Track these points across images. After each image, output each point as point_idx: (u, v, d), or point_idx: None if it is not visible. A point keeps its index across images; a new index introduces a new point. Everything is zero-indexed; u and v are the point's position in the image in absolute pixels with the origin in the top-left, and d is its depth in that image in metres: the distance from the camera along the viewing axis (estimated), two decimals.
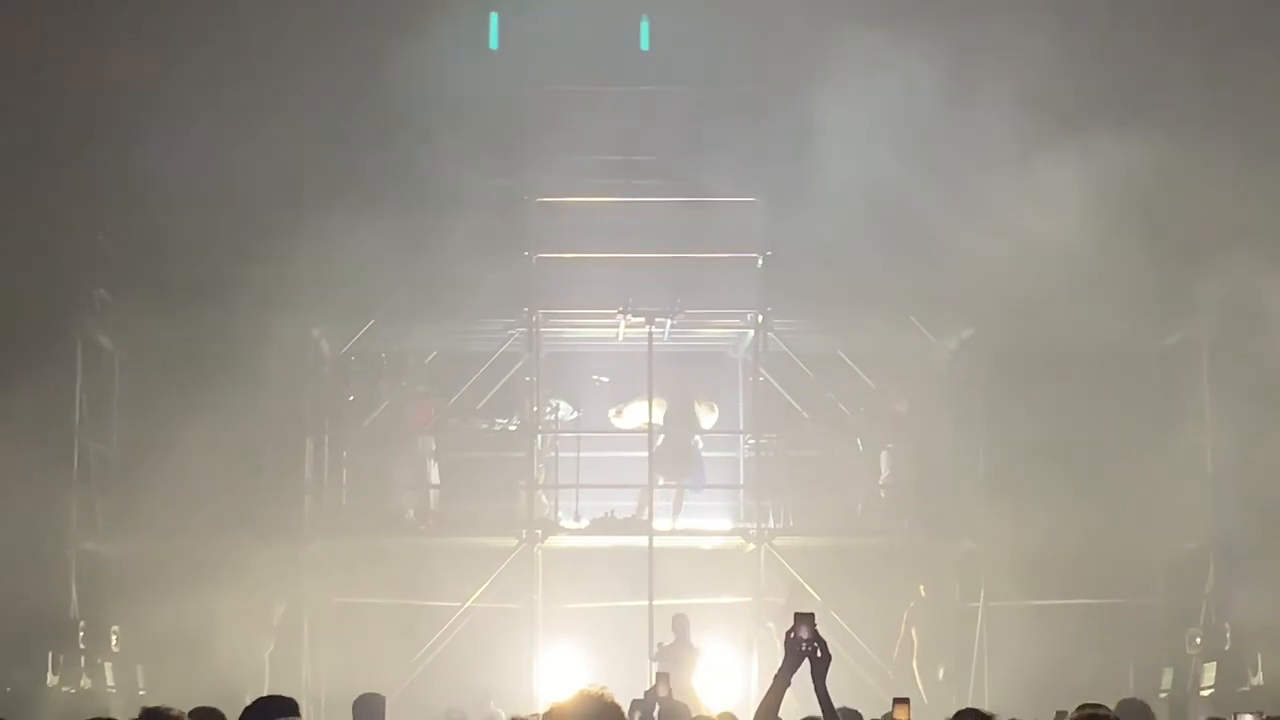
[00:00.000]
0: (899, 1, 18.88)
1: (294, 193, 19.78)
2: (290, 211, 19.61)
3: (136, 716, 8.01)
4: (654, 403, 20.76)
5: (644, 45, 19.84)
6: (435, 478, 21.04)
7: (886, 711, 12.04)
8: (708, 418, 21.38)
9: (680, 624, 19.23)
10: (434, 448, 21.05)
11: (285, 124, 19.84)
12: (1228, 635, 19.51)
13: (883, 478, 21.36)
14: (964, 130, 19.09)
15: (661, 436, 20.82)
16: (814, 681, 7.68)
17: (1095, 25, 18.63)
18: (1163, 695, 19.24)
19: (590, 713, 5.83)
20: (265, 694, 8.16)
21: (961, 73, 18.61)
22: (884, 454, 21.29)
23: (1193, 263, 19.46)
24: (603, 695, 5.90)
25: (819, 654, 7.62)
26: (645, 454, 20.70)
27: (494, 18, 18.97)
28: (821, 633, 7.67)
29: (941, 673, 20.33)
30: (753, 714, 7.98)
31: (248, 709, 7.74)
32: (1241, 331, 19.45)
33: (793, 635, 7.62)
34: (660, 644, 19.13)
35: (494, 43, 19.31)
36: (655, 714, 13.25)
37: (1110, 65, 19.01)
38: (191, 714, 8.64)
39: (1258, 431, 19.08)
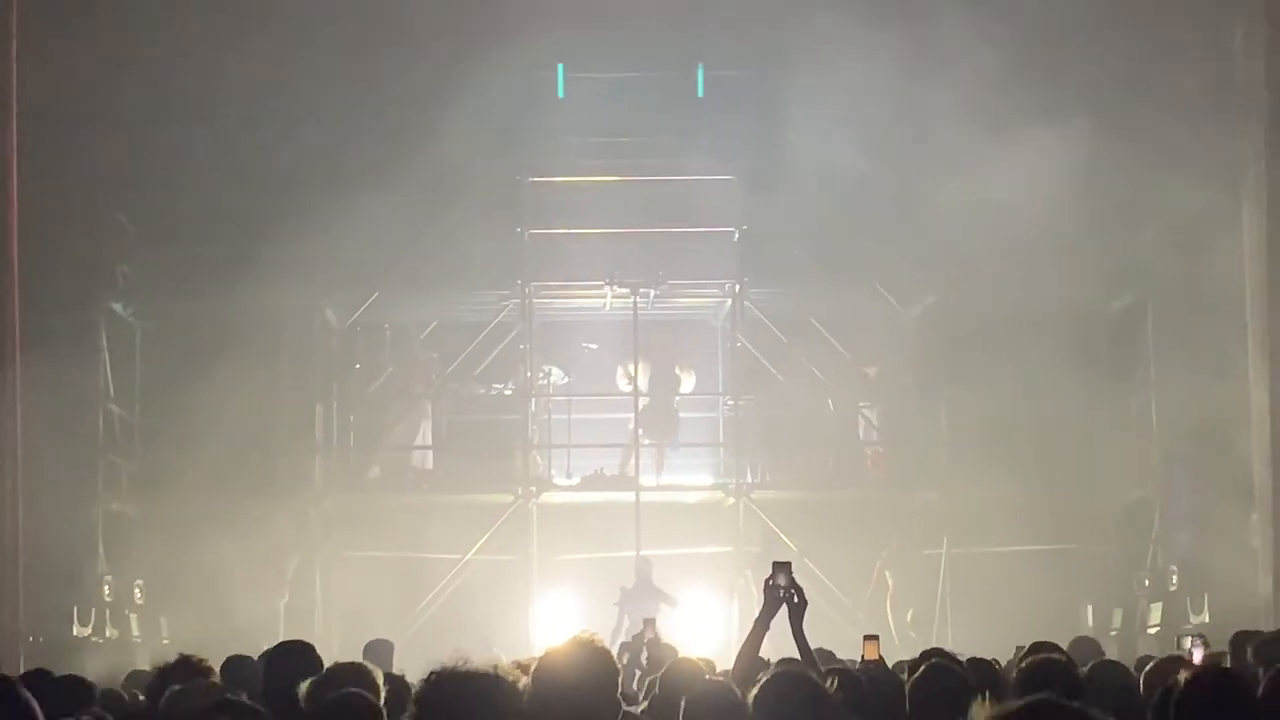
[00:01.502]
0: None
1: (303, 176, 19.67)
2: (300, 193, 19.52)
3: (169, 663, 7.97)
4: (639, 367, 20.77)
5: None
6: (427, 438, 20.98)
7: (860, 652, 12.04)
8: (687, 381, 21.40)
9: (643, 566, 19.23)
10: (429, 411, 21.02)
11: (297, 111, 19.78)
12: (1173, 578, 19.53)
13: (855, 433, 21.38)
14: (923, 114, 19.05)
15: (645, 399, 20.82)
16: (791, 625, 7.65)
17: (1042, 22, 18.55)
18: (1113, 634, 19.28)
19: (582, 657, 5.79)
20: (279, 641, 8.16)
21: (920, 61, 18.55)
22: (853, 413, 21.30)
23: (1136, 235, 19.45)
24: (593, 641, 5.87)
25: (796, 600, 7.59)
26: (631, 415, 20.71)
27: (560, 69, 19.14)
28: (797, 580, 7.63)
29: (910, 615, 20.32)
30: (735, 656, 7.94)
31: (272, 655, 7.69)
32: (1180, 297, 19.45)
33: (771, 582, 7.58)
34: (623, 587, 19.09)
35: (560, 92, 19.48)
36: (642, 657, 13.21)
37: (1056, 55, 18.95)
38: (226, 664, 8.61)
39: (1198, 388, 19.09)
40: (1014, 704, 4.12)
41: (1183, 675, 5.72)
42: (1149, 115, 18.69)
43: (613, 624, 17.90)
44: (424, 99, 19.79)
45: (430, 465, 21.11)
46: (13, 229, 16.90)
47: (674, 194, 20.41)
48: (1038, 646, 8.73)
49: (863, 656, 10.70)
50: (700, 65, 20.31)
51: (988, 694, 5.76)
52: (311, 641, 8.44)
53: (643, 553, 19.50)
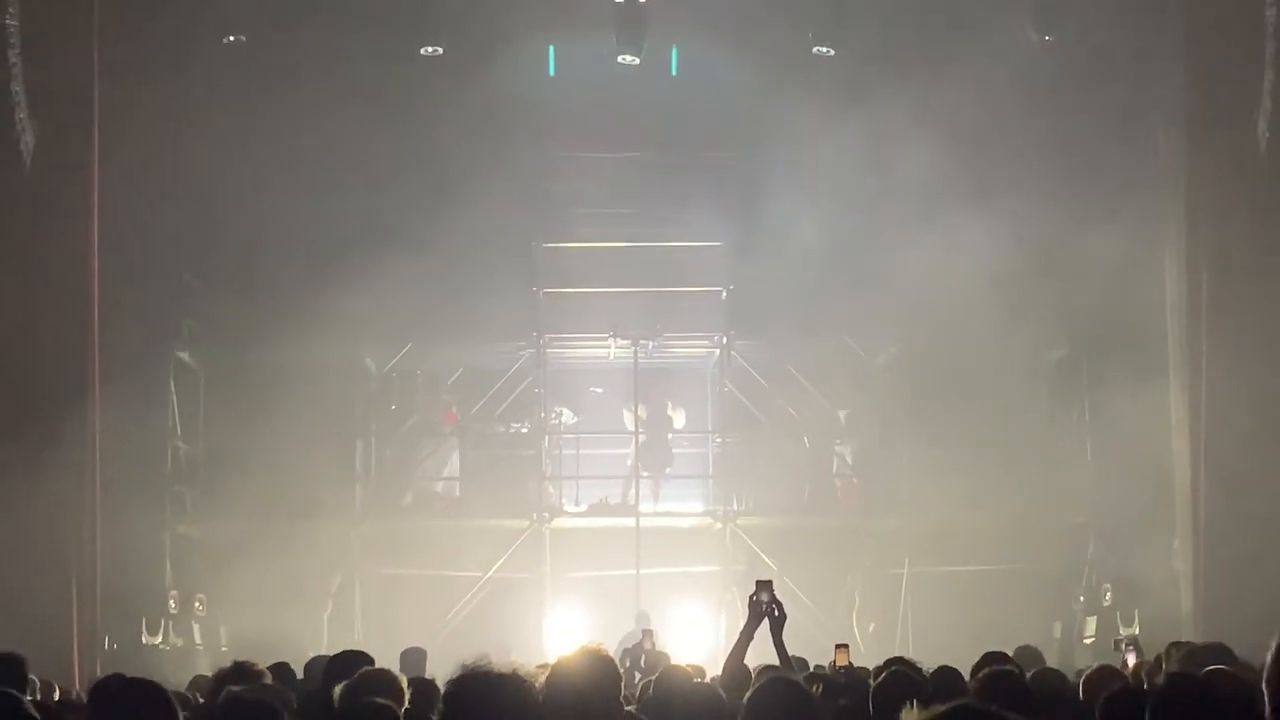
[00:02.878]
0: (833, 80, 18.83)
1: (346, 240, 19.71)
2: (343, 255, 19.56)
3: (226, 668, 7.95)
4: (638, 408, 20.78)
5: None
6: (455, 470, 20.94)
7: (831, 660, 11.99)
8: (678, 418, 21.39)
9: (643, 620, 18.94)
10: (457, 446, 21.00)
11: (342, 183, 19.84)
12: (1106, 594, 19.48)
13: (835, 470, 21.34)
14: (884, 188, 19.12)
15: (644, 436, 20.81)
16: (772, 635, 7.64)
17: (985, 103, 18.63)
18: (1054, 643, 19.16)
19: (589, 664, 5.79)
20: (324, 650, 8.15)
21: (880, 141, 18.62)
22: (826, 449, 21.27)
23: (1070, 290, 19.49)
24: (599, 650, 5.87)
25: (776, 613, 7.58)
26: (631, 451, 20.68)
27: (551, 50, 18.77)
28: (778, 596, 7.61)
29: (872, 628, 20.24)
30: (722, 663, 7.91)
31: (333, 661, 7.66)
32: (1110, 345, 19.45)
33: (755, 598, 7.57)
34: (625, 647, 18.83)
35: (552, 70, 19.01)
36: (641, 661, 13.18)
37: (998, 131, 19.03)
38: (271, 668, 8.58)
39: (1126, 428, 19.08)
40: (939, 708, 4.09)
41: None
42: (1079, 184, 18.78)
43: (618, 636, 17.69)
44: (454, 175, 19.87)
45: (458, 494, 21.04)
46: (93, 286, 16.90)
47: (669, 258, 20.44)
48: (989, 657, 8.69)
49: (835, 662, 10.68)
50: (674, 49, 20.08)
51: (914, 701, 5.70)
52: (352, 648, 8.43)
53: (646, 627, 19.19)
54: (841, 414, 21.16)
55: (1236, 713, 5.79)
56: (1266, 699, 4.73)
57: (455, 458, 21.05)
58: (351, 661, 7.60)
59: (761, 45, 19.39)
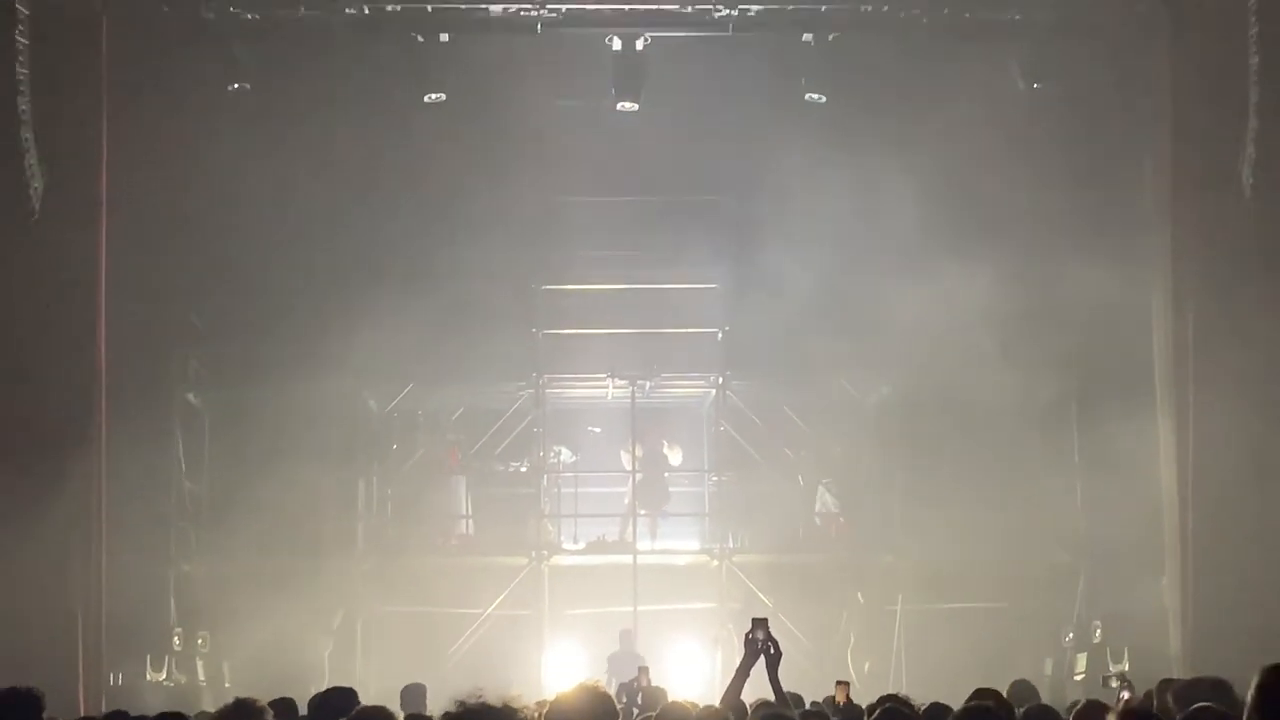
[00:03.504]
0: (825, 126, 18.93)
1: (349, 283, 19.76)
2: (346, 298, 19.61)
3: (228, 705, 7.92)
4: (635, 448, 20.78)
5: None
6: (467, 508, 20.97)
7: (827, 695, 11.97)
8: (674, 456, 21.38)
9: (626, 638, 19.12)
10: (464, 484, 21.00)
11: (345, 227, 19.90)
12: (1096, 631, 19.46)
13: (819, 506, 21.35)
14: (876, 232, 19.18)
15: (640, 475, 20.80)
16: (768, 672, 7.63)
17: (978, 150, 18.72)
18: (1045, 679, 19.13)
19: (586, 700, 5.75)
20: (326, 686, 8.13)
21: (871, 185, 18.70)
22: (820, 488, 21.26)
23: (1061, 333, 19.54)
24: (596, 686, 5.84)
25: (772, 651, 7.56)
26: (628, 489, 20.68)
27: None
28: (774, 633, 7.60)
29: (867, 666, 20.18)
30: (719, 699, 7.90)
31: (317, 699, 7.65)
32: (1099, 385, 19.47)
33: (751, 635, 7.55)
34: (610, 654, 18.97)
35: None
36: (639, 698, 13.15)
37: (991, 177, 19.11)
38: (271, 704, 8.55)
39: (1115, 467, 19.09)
40: None
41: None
42: (1068, 228, 18.83)
43: (603, 680, 17.71)
44: (455, 218, 19.95)
45: (471, 531, 20.99)
46: (101, 327, 16.96)
47: (666, 300, 20.49)
48: (980, 693, 8.70)
49: (834, 698, 10.66)
50: None
51: None
52: (354, 685, 8.42)
53: (626, 626, 19.35)
54: (835, 453, 21.15)
55: None
56: None
57: (464, 494, 21.05)
58: (339, 698, 7.58)
59: (755, 91, 19.48)
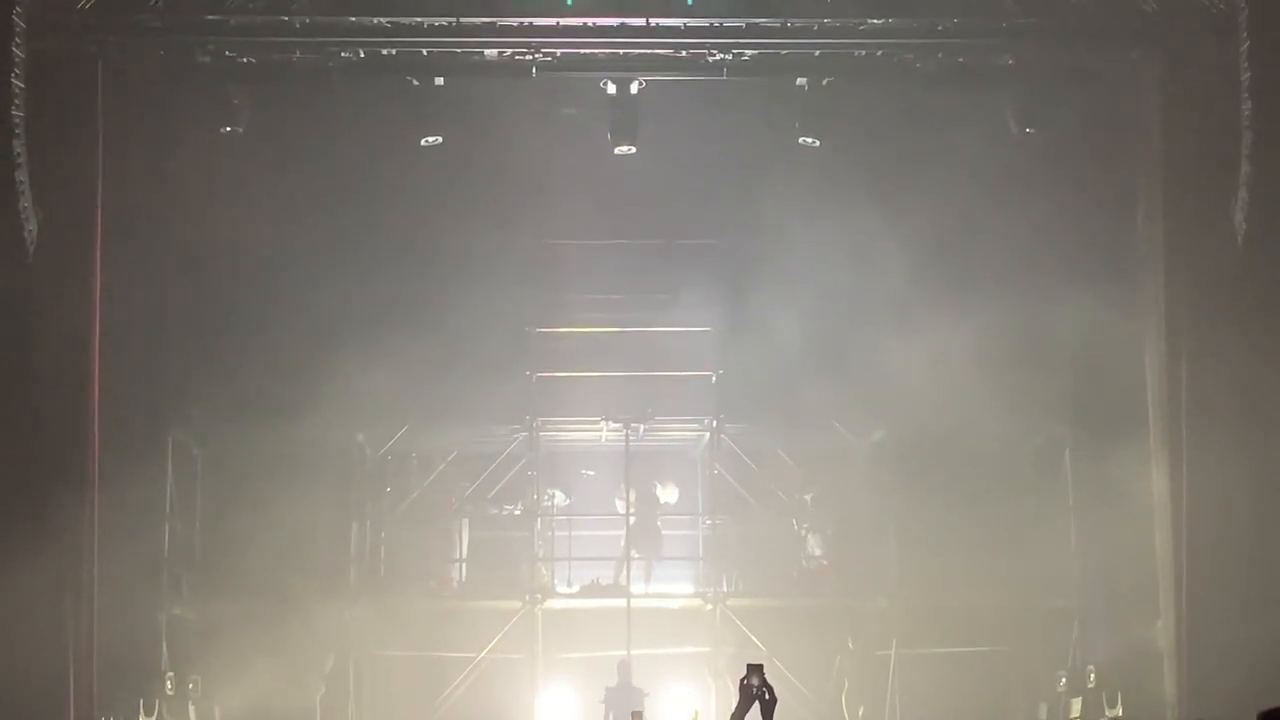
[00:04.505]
0: (819, 170, 18.99)
1: (342, 327, 19.75)
2: (339, 341, 19.60)
3: None
4: (628, 493, 20.75)
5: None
6: (462, 551, 20.93)
7: None
8: (666, 494, 21.33)
9: (623, 669, 19.10)
10: (466, 527, 20.99)
11: (338, 272, 19.92)
12: (1091, 676, 19.40)
13: (812, 550, 21.33)
14: (869, 276, 19.21)
15: (633, 518, 20.76)
16: (763, 717, 7.58)
17: (971, 196, 18.80)
18: None
19: None
20: None
21: (864, 231, 18.76)
22: (813, 533, 21.24)
23: (1053, 377, 19.57)
24: None
25: (767, 696, 7.52)
26: (623, 533, 20.62)
27: None
28: (768, 679, 7.57)
29: (861, 711, 20.10)
30: None
31: None
32: (1092, 430, 19.48)
33: (746, 681, 7.52)
34: (607, 687, 18.93)
35: None
36: None
37: (982, 222, 19.19)
38: None
39: (1109, 511, 19.11)
40: None
41: None
42: (1061, 272, 18.86)
43: (600, 716, 17.69)
44: (449, 261, 19.98)
45: (464, 576, 20.91)
46: (94, 369, 16.94)
47: (660, 343, 20.48)
48: None
49: None
50: None
51: None
52: None
53: (623, 657, 19.31)
54: (828, 496, 21.14)
55: None
56: None
57: (464, 538, 21.02)
58: None
59: (750, 135, 19.54)
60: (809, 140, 18.69)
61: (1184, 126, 17.43)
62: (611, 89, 18.11)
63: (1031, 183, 19.25)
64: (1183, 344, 17.46)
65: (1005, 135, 18.99)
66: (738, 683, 7.61)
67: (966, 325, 18.87)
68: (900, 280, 19.11)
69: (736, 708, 7.56)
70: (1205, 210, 17.26)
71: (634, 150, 18.27)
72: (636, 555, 20.78)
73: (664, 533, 21.30)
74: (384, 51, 17.54)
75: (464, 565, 20.97)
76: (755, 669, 7.57)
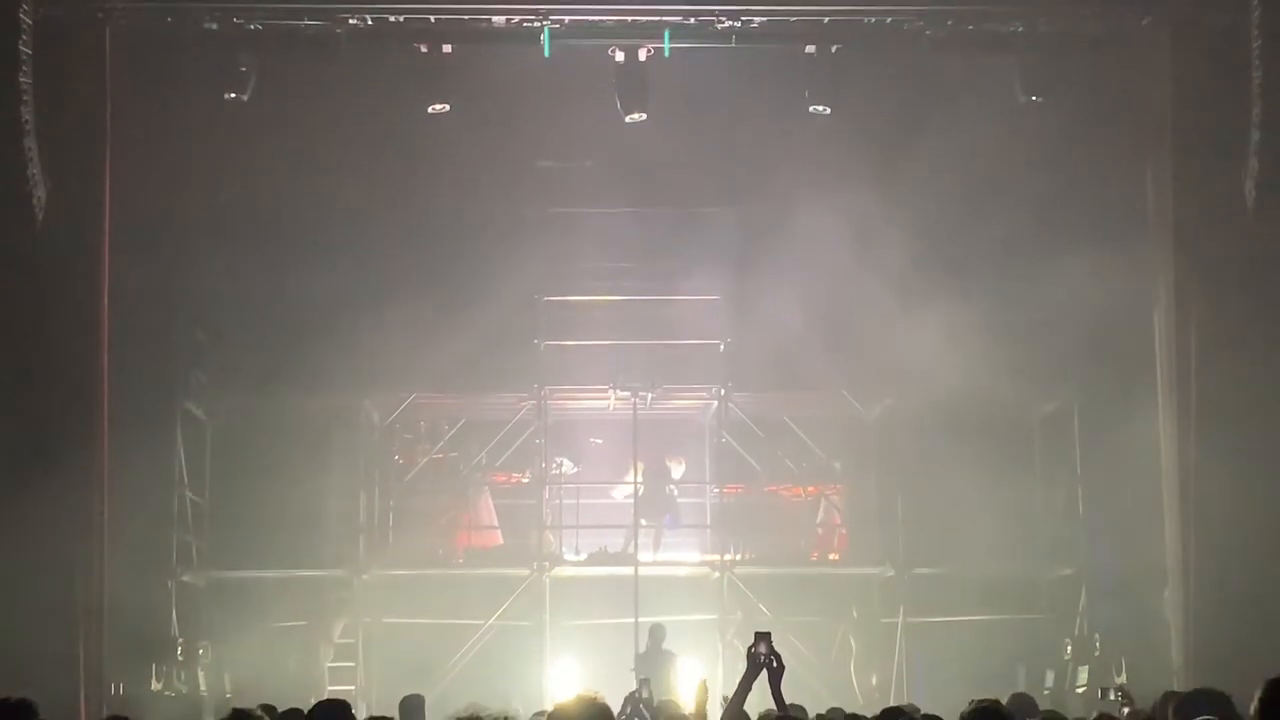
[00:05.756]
0: (829, 137, 18.90)
1: (352, 295, 19.76)
2: (348, 310, 19.62)
3: (226, 716, 7.88)
4: (636, 463, 20.74)
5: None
6: (493, 518, 20.92)
7: (832, 706, 11.93)
8: (677, 470, 21.33)
9: (658, 633, 19.08)
10: (488, 494, 21.00)
11: (348, 240, 19.89)
12: (1097, 644, 19.42)
13: (820, 518, 21.35)
14: (879, 244, 19.14)
15: (642, 488, 20.77)
16: (771, 686, 7.56)
17: (980, 164, 18.73)
18: (1046, 692, 19.09)
19: (585, 712, 5.71)
20: (326, 696, 8.09)
21: (875, 198, 18.69)
22: (822, 500, 21.24)
23: (1062, 344, 19.53)
24: (596, 698, 5.81)
25: (775, 665, 7.50)
26: (631, 500, 20.64)
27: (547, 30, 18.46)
28: (776, 647, 7.54)
29: (874, 679, 20.13)
30: (721, 714, 7.85)
31: (311, 713, 7.62)
32: (1101, 397, 19.45)
33: (753, 649, 7.49)
34: (639, 653, 18.95)
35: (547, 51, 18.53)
36: (642, 708, 13.09)
37: (991, 191, 19.13)
38: (283, 715, 8.50)
39: (1117, 479, 19.09)
40: None
41: None
42: (1070, 240, 18.79)
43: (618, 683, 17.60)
44: (458, 230, 19.95)
45: (501, 541, 20.89)
46: (104, 338, 16.94)
47: (669, 312, 20.45)
48: (982, 702, 8.65)
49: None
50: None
51: None
52: (353, 697, 8.38)
53: (656, 622, 19.26)
54: (836, 464, 21.14)
55: None
56: None
57: (489, 503, 21.05)
58: (332, 710, 7.56)
59: (759, 103, 19.45)
60: (819, 108, 18.62)
61: (1194, 94, 17.34)
62: (619, 57, 18.03)
63: (1041, 151, 19.18)
64: (1192, 312, 17.42)
65: (1015, 103, 18.91)
66: (745, 651, 7.58)
67: (975, 293, 18.84)
68: (909, 248, 19.06)
69: (744, 676, 7.54)
70: (1215, 178, 17.20)
71: (645, 118, 18.18)
72: (644, 523, 20.78)
73: (678, 500, 21.29)
74: (391, 19, 17.48)
75: (500, 532, 20.95)
76: (763, 637, 7.54)
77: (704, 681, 9.40)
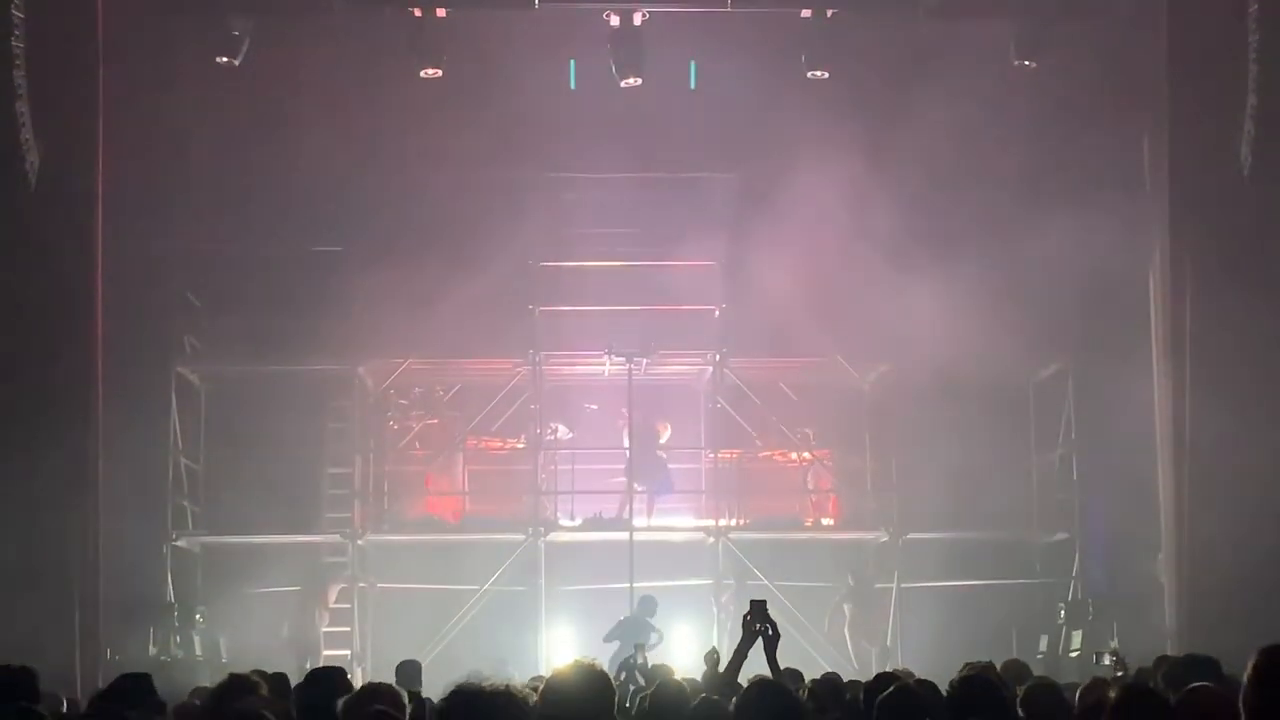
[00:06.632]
0: (826, 102, 18.84)
1: (346, 260, 19.73)
2: (343, 274, 19.58)
3: (223, 680, 7.89)
4: (630, 424, 20.70)
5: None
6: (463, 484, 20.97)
7: (825, 671, 11.95)
8: (664, 434, 21.27)
9: (647, 604, 18.87)
10: (461, 461, 21.00)
11: (341, 205, 19.84)
12: (1090, 609, 19.47)
13: (811, 484, 21.37)
14: (873, 211, 19.12)
15: (629, 449, 20.74)
16: (766, 653, 7.58)
17: (975, 129, 18.69)
18: (1039, 657, 19.16)
19: (582, 678, 5.71)
20: (323, 662, 8.10)
21: (868, 164, 18.66)
22: (816, 465, 21.26)
23: (1057, 308, 19.52)
24: (593, 665, 5.80)
25: (770, 632, 7.51)
26: (625, 466, 20.64)
27: (572, 64, 18.28)
28: (771, 614, 7.56)
29: (868, 645, 20.17)
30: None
31: (307, 680, 7.62)
32: (1095, 361, 19.46)
33: (749, 617, 7.51)
34: (621, 619, 18.83)
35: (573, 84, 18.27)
36: (637, 674, 13.13)
37: (992, 158, 19.10)
38: (264, 679, 8.50)
39: (1111, 444, 19.11)
40: None
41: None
42: (1065, 203, 18.77)
43: (612, 649, 17.61)
44: (451, 196, 19.88)
45: (468, 508, 20.93)
46: (98, 303, 16.88)
47: (663, 277, 20.40)
48: (971, 667, 8.68)
49: None
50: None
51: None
52: (348, 662, 8.39)
53: (647, 591, 19.22)
54: (808, 432, 21.12)
55: None
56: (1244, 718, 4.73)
57: (460, 469, 21.04)
58: (327, 678, 7.56)
59: (756, 67, 19.39)
60: (817, 73, 18.54)
61: (1190, 59, 17.28)
62: (614, 21, 17.94)
63: (1036, 116, 19.13)
64: (1187, 278, 17.40)
65: (1010, 68, 18.86)
66: (741, 617, 7.60)
67: (970, 259, 18.81)
68: (904, 214, 19.02)
69: (739, 643, 7.56)
70: (1210, 143, 17.15)
71: (641, 82, 18.10)
72: (640, 488, 20.78)
73: (669, 466, 21.25)
74: None
75: (466, 495, 20.99)
76: (758, 605, 7.56)
77: (714, 648, 9.45)
